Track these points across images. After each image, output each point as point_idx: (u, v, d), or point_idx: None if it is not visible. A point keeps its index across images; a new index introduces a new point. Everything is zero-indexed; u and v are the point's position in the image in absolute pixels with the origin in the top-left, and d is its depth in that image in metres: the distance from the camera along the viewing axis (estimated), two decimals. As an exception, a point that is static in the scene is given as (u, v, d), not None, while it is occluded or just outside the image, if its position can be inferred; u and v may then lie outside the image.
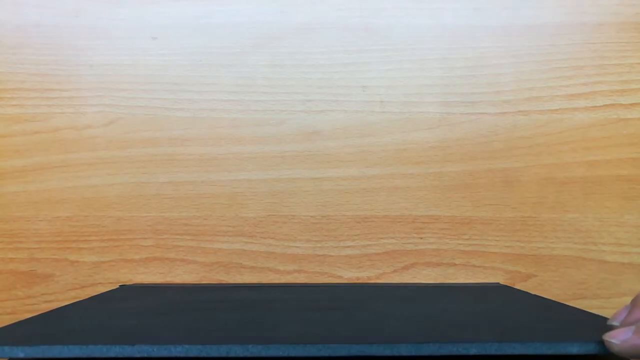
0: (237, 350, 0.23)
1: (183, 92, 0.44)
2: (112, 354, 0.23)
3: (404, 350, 0.22)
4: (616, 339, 0.22)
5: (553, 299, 0.45)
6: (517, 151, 0.44)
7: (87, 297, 0.45)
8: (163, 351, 0.23)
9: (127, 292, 0.40)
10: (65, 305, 0.35)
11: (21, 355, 0.23)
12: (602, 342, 0.22)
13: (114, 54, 0.44)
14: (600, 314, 0.45)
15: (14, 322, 0.46)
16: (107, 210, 0.44)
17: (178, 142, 0.45)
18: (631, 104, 0.44)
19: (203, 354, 0.23)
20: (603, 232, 0.45)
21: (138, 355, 0.23)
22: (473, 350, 0.22)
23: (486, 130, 0.44)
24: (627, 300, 0.46)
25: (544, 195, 0.44)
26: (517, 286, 0.45)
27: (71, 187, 0.44)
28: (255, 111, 0.45)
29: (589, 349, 0.23)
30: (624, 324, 0.23)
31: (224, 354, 0.23)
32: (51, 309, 0.45)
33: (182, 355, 0.23)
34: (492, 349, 0.22)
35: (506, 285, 0.44)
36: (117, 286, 0.44)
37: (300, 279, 0.45)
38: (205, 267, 0.45)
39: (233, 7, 0.44)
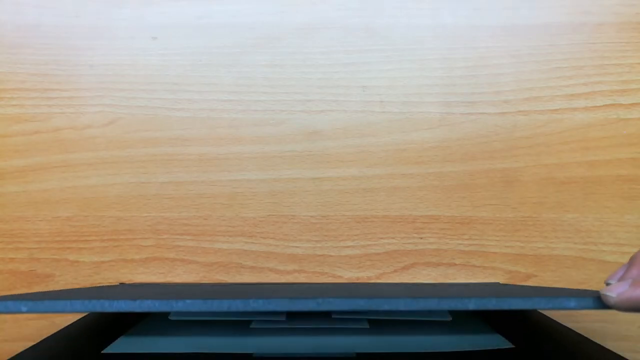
0: (239, 305, 0.23)
1: (183, 92, 0.44)
2: (114, 309, 0.23)
3: (402, 305, 0.23)
4: (612, 292, 0.22)
5: (553, 299, 0.45)
6: (517, 151, 0.44)
7: (87, 297, 0.45)
8: (165, 306, 0.23)
9: (127, 287, 0.40)
10: (64, 289, 0.35)
11: (24, 309, 0.23)
12: (599, 298, 0.23)
13: (114, 54, 0.44)
14: (600, 315, 0.46)
15: (14, 321, 0.46)
16: (107, 210, 0.44)
17: (178, 142, 0.45)
18: (631, 104, 0.44)
19: (204, 309, 0.23)
20: (603, 232, 0.45)
21: (139, 310, 0.23)
22: (471, 305, 0.23)
23: (486, 130, 0.44)
24: (627, 300, 0.46)
25: (544, 195, 0.44)
26: (517, 286, 0.45)
27: (71, 187, 0.44)
28: (255, 111, 0.45)
29: (587, 304, 0.23)
30: (620, 280, 0.23)
31: (224, 309, 0.23)
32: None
33: (184, 309, 0.23)
34: (491, 304, 0.23)
35: (506, 284, 0.44)
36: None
37: (300, 279, 0.45)
38: (205, 267, 0.44)
39: (233, 7, 0.44)
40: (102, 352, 0.27)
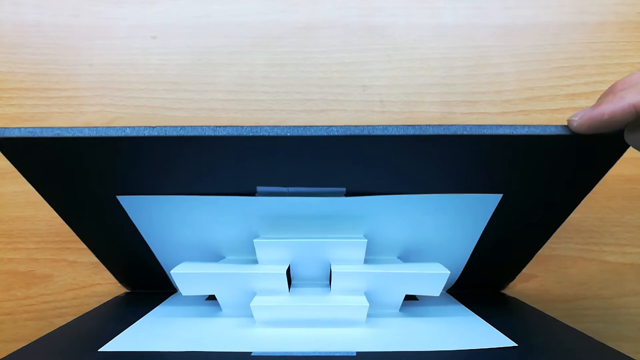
0: (247, 131, 0.26)
1: (183, 91, 0.44)
2: (127, 134, 0.26)
3: (393, 130, 0.26)
4: (575, 116, 0.26)
5: (554, 299, 0.45)
6: (518, 151, 0.44)
7: (85, 297, 0.45)
8: (180, 131, 0.26)
9: None
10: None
11: (50, 134, 0.26)
12: (566, 126, 0.26)
13: (114, 54, 0.44)
14: (602, 315, 0.45)
15: (12, 322, 0.46)
16: (106, 211, 0.44)
17: (177, 141, 0.44)
18: (632, 104, 0.43)
19: (216, 134, 0.26)
20: (604, 233, 0.44)
21: (156, 135, 0.26)
22: (455, 130, 0.26)
23: (487, 130, 0.44)
24: (629, 300, 0.46)
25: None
26: (519, 286, 0.45)
27: (70, 187, 0.44)
28: (255, 111, 0.44)
29: (556, 130, 0.26)
30: None
31: (234, 134, 0.26)
32: (50, 309, 0.45)
33: (197, 134, 0.26)
34: (473, 130, 0.26)
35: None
36: (116, 286, 0.44)
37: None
38: (205, 267, 0.44)
39: (233, 6, 0.44)
40: (99, 350, 0.27)
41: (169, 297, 0.39)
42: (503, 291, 0.43)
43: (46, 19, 0.44)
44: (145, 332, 0.31)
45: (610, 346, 0.28)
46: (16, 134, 0.27)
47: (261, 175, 0.30)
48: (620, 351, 0.27)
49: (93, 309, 0.37)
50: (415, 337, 0.30)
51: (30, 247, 0.45)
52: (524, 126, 0.26)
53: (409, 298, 0.39)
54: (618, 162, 0.44)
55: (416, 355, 0.27)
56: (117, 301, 0.40)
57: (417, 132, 0.26)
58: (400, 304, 0.34)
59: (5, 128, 0.27)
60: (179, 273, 0.32)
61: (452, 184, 0.31)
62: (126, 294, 0.42)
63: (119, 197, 0.32)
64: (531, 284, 0.45)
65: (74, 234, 0.45)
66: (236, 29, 0.44)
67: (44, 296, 0.45)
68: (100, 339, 0.29)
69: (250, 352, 0.27)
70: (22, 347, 0.28)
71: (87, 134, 0.26)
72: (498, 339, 0.29)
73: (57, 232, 0.44)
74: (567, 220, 0.44)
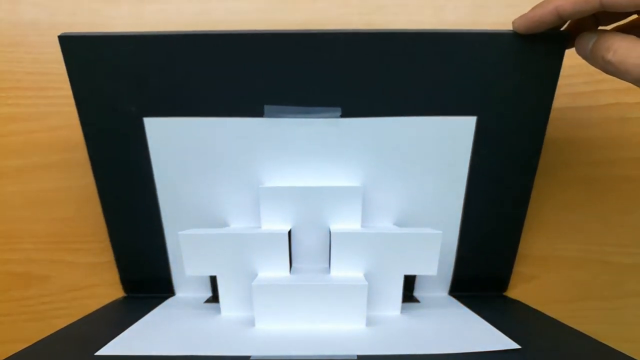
0: (260, 31, 0.32)
1: (181, 91, 0.44)
2: (167, 33, 0.32)
3: (374, 32, 0.32)
4: (516, 19, 0.31)
5: (556, 300, 0.45)
6: (519, 151, 0.44)
7: (84, 299, 0.45)
8: (197, 31, 0.32)
9: None
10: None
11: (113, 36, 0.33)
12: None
13: (112, 53, 0.44)
14: (604, 316, 0.45)
15: (11, 323, 0.45)
16: (105, 211, 0.44)
17: (176, 141, 0.44)
18: (635, 103, 0.43)
19: (235, 32, 0.32)
20: (606, 233, 0.44)
21: (185, 33, 0.32)
22: (423, 30, 0.32)
23: (488, 129, 0.44)
24: (631, 300, 0.46)
25: (545, 195, 0.44)
26: (520, 287, 0.44)
27: (68, 187, 0.44)
28: (255, 110, 0.44)
29: (504, 31, 0.32)
30: None
31: (253, 32, 0.32)
32: (48, 310, 0.45)
33: (216, 32, 0.32)
34: (434, 30, 0.33)
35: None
36: (115, 287, 0.44)
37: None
38: (204, 268, 0.44)
39: (232, 4, 0.44)
40: (95, 354, 0.27)
41: (165, 300, 0.39)
42: (504, 294, 0.43)
43: (44, 18, 0.43)
44: (141, 335, 0.30)
45: (613, 347, 0.28)
46: (79, 34, 0.33)
47: (265, 95, 0.34)
48: (623, 352, 0.27)
49: (90, 313, 0.37)
50: (417, 340, 0.29)
51: (28, 248, 0.44)
52: (477, 29, 0.32)
53: (409, 300, 0.39)
54: (621, 161, 0.44)
55: (418, 359, 0.26)
56: (114, 305, 0.40)
57: (402, 30, 0.32)
58: (401, 297, 0.34)
59: (70, 32, 0.33)
60: (186, 234, 0.33)
61: (431, 105, 0.34)
62: (124, 297, 0.42)
63: (145, 119, 0.35)
64: (532, 284, 0.45)
65: (72, 234, 0.45)
66: (235, 26, 0.44)
67: (42, 297, 0.45)
68: (96, 343, 0.28)
69: (250, 356, 0.26)
70: (19, 351, 0.27)
71: (137, 33, 0.33)
72: (501, 341, 0.29)
73: (55, 233, 0.44)
74: (569, 220, 0.44)
